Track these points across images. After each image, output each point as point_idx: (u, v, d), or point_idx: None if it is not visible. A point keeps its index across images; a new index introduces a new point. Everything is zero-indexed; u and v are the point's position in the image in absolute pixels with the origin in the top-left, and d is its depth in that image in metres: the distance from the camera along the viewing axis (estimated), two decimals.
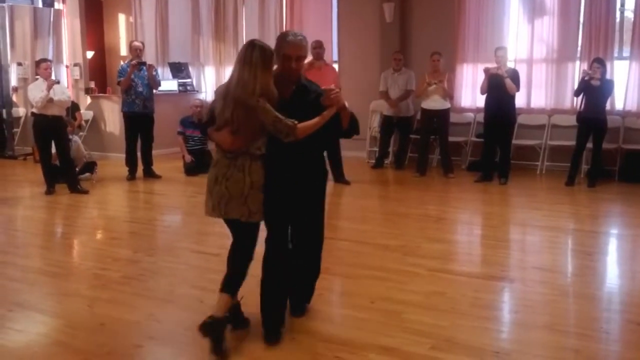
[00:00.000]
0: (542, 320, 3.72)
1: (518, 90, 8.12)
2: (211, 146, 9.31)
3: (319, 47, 8.13)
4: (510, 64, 8.54)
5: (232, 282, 3.46)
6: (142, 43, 9.10)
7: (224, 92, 3.31)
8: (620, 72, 8.64)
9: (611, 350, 3.43)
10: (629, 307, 4.00)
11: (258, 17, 11.02)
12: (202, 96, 11.30)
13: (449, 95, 8.68)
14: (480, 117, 8.65)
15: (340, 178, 8.02)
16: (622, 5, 8.72)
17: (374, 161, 9.47)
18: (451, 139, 8.88)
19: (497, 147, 8.20)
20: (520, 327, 3.70)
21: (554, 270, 4.75)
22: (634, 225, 6.25)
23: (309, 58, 8.06)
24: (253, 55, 3.22)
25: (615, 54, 8.70)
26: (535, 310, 3.92)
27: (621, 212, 6.96)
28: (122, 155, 8.70)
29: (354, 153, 9.65)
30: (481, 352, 3.30)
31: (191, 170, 8.74)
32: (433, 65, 8.62)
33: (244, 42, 3.40)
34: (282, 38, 3.40)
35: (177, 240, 5.71)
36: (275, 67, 3.34)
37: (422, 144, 8.86)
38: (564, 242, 5.69)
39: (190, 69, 11.59)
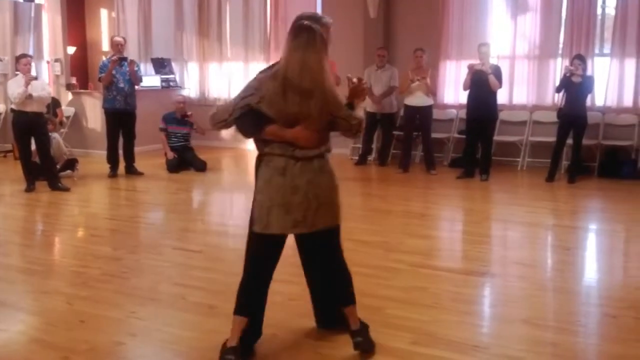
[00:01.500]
0: (521, 315, 3.76)
1: (500, 86, 8.18)
2: (195, 143, 9.29)
3: None
4: (493, 61, 8.60)
5: (345, 291, 3.21)
6: (124, 38, 9.03)
7: (281, 83, 2.86)
8: (600, 68, 8.73)
9: (588, 343, 3.48)
10: (606, 301, 4.06)
11: (242, 13, 10.99)
12: (185, 92, 11.24)
13: (431, 91, 8.72)
14: (463, 114, 8.71)
15: None
16: (604, 2, 8.80)
17: (357, 158, 9.49)
18: (434, 135, 8.92)
19: (479, 143, 8.26)
20: (499, 322, 3.74)
21: (534, 265, 4.80)
22: (612, 220, 6.33)
23: None
24: (317, 40, 2.84)
25: (596, 51, 8.80)
26: (514, 304, 3.97)
27: (600, 207, 7.05)
28: (104, 152, 8.63)
29: (337, 150, 9.55)
30: (461, 347, 3.33)
31: (174, 167, 8.70)
32: (416, 61, 8.65)
33: (292, 26, 2.93)
34: (318, 20, 2.99)
35: (160, 238, 5.68)
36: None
37: (405, 141, 8.89)
38: (544, 238, 5.75)
39: (174, 64, 11.53)
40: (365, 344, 3.19)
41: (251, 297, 3.18)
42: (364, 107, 9.58)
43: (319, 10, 10.45)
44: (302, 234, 3.10)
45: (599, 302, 4.08)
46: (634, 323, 3.65)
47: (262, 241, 3.07)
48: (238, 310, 3.15)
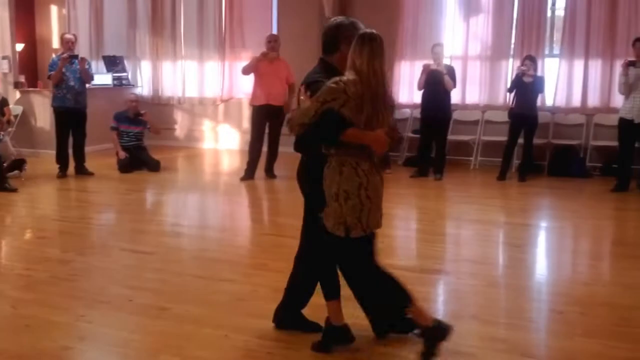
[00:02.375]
0: (472, 311, 3.82)
1: (455, 86, 8.29)
2: (158, 141, 9.13)
3: (273, 41, 8.11)
4: (446, 61, 8.71)
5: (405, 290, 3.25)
6: (75, 35, 8.82)
7: (381, 92, 3.01)
8: (550, 69, 8.95)
9: (537, 338, 3.56)
10: (555, 297, 4.16)
11: (197, 11, 10.86)
12: (138, 91, 11.05)
13: None
14: (417, 113, 8.79)
15: (269, 172, 8.12)
16: (553, 4, 9.02)
17: None
18: None
19: (433, 142, 8.35)
20: (451, 318, 3.75)
21: (485, 262, 4.88)
22: (561, 217, 6.49)
23: (262, 50, 8.06)
24: (383, 48, 3.04)
25: (546, 52, 9.01)
26: (466, 301, 4.03)
27: (550, 205, 7.22)
28: (53, 152, 8.41)
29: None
30: (414, 343, 3.35)
31: (125, 167, 8.53)
32: None
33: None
34: (354, 26, 3.19)
35: (110, 239, 5.57)
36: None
37: None
38: (496, 235, 5.85)
39: (126, 62, 11.32)
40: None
41: (337, 280, 3.28)
42: None
43: (274, 10, 10.44)
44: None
45: (547, 298, 4.18)
46: (579, 318, 3.75)
47: (359, 243, 3.13)
48: (332, 295, 3.26)
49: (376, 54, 3.00)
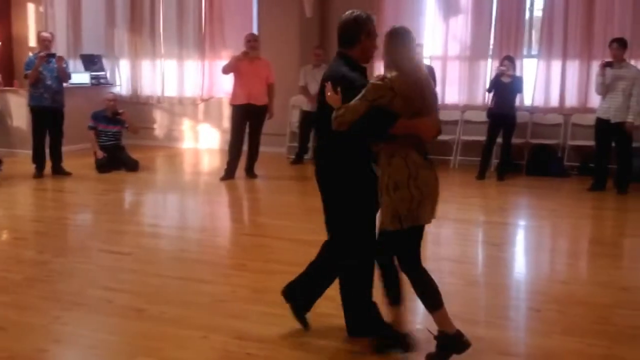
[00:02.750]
0: (452, 310, 3.75)
1: (435, 86, 8.30)
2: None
3: (253, 40, 8.07)
4: (426, 61, 8.74)
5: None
6: (52, 34, 8.70)
7: (425, 80, 3.14)
8: (528, 69, 9.02)
9: (515, 337, 3.59)
10: (533, 295, 4.20)
11: (176, 9, 10.78)
12: (116, 89, 10.94)
13: None
14: None
15: (249, 171, 8.12)
16: (531, 5, 9.10)
17: (293, 157, 9.48)
18: None
19: None
20: (430, 317, 3.78)
21: (465, 261, 4.90)
22: (539, 216, 6.55)
23: (243, 49, 8.03)
24: (415, 41, 3.22)
25: (525, 52, 9.08)
26: (445, 300, 3.94)
27: (528, 204, 7.29)
28: (30, 152, 8.29)
29: (274, 149, 9.62)
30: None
31: (103, 166, 8.44)
32: None
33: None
34: (370, 19, 3.32)
35: (87, 240, 5.51)
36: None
37: None
38: (475, 234, 5.89)
39: (104, 61, 11.20)
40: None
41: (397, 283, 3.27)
42: (300, 106, 9.61)
43: (254, 10, 10.40)
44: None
45: (526, 297, 4.22)
46: (556, 316, 3.78)
47: (408, 234, 3.14)
48: (395, 301, 3.26)
49: (411, 46, 3.15)
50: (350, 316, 3.41)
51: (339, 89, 3.10)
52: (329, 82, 3.16)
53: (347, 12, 3.37)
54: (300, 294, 3.53)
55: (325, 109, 3.17)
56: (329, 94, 3.13)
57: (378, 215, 3.24)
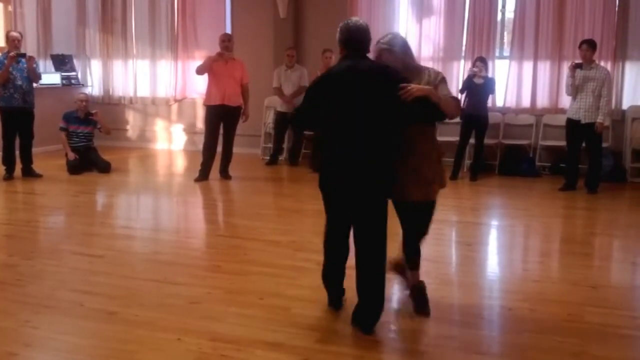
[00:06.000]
0: None
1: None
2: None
3: (227, 41, 8.03)
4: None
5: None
6: (21, 33, 8.55)
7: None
8: (500, 71, 9.13)
9: (489, 335, 3.61)
10: (505, 294, 4.24)
11: (148, 9, 10.67)
12: (87, 90, 10.80)
13: None
14: None
15: (224, 172, 8.08)
16: (503, 7, 9.21)
17: (268, 158, 9.45)
18: None
19: None
20: (404, 318, 3.81)
21: (438, 261, 4.92)
22: (512, 216, 6.62)
23: (216, 49, 7.99)
24: None
25: (497, 54, 9.18)
26: None
27: (500, 204, 7.37)
28: None
29: (248, 150, 9.59)
30: (367, 343, 3.37)
31: (75, 168, 8.32)
32: (325, 62, 8.69)
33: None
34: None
35: (58, 242, 5.42)
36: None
37: (315, 141, 8.92)
38: (448, 234, 5.92)
39: (75, 61, 11.05)
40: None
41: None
42: (275, 107, 9.59)
43: (228, 10, 10.35)
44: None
45: (498, 295, 4.25)
46: (528, 314, 3.82)
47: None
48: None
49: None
50: (376, 314, 3.54)
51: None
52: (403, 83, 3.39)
53: (355, 19, 3.67)
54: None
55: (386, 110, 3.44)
56: (415, 89, 3.34)
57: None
